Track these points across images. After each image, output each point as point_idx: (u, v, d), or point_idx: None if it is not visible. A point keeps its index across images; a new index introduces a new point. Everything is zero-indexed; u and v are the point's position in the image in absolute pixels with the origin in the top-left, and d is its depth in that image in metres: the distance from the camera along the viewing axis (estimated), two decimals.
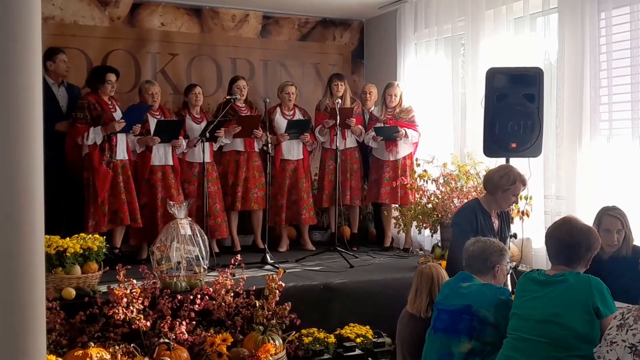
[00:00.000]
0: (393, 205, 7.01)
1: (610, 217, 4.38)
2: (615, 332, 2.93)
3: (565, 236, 3.45)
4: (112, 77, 6.17)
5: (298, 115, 7.18)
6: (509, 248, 4.83)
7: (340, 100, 6.80)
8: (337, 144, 6.65)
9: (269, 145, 6.44)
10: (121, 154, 6.15)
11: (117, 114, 6.16)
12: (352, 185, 7.24)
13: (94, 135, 5.97)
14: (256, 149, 6.94)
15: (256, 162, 6.95)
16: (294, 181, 7.10)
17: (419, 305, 4.23)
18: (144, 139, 6.31)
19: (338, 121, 6.57)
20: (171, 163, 6.49)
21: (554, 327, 3.24)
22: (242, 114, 6.87)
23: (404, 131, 6.88)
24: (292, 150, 7.08)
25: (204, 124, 6.63)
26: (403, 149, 7.00)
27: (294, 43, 8.21)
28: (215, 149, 6.85)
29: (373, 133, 6.99)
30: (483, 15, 6.33)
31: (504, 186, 4.55)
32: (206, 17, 7.73)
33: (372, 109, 7.33)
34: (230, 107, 6.74)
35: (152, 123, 6.36)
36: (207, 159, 6.54)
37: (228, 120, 6.64)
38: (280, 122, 7.04)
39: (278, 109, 7.15)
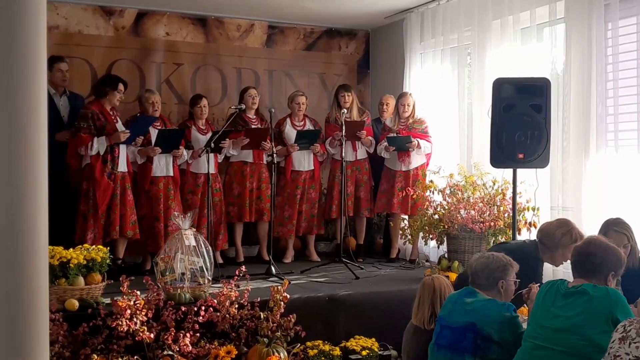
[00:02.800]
0: (403, 215, 6.95)
1: (616, 232, 4.36)
2: (617, 345, 2.90)
3: (581, 246, 3.54)
4: (122, 87, 6.17)
5: (308, 126, 7.15)
6: None
7: (345, 111, 6.77)
8: (343, 155, 6.61)
9: (274, 155, 6.40)
10: (122, 165, 6.12)
11: (119, 125, 6.14)
12: (360, 197, 7.20)
13: (98, 146, 5.93)
14: (264, 161, 6.90)
15: (264, 174, 6.91)
16: (304, 192, 7.08)
17: (422, 317, 4.21)
18: (145, 149, 6.28)
19: (344, 133, 6.55)
20: (172, 174, 6.45)
21: (573, 337, 3.24)
22: (252, 125, 6.84)
23: (416, 142, 6.85)
24: (303, 161, 7.06)
25: (209, 135, 6.59)
26: (415, 160, 6.97)
27: (299, 53, 8.19)
28: (220, 160, 6.82)
29: (386, 143, 6.95)
30: (490, 26, 6.31)
31: (566, 245, 4.33)
32: (211, 26, 7.72)
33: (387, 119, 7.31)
34: (240, 118, 6.73)
35: (153, 134, 6.33)
36: (212, 169, 6.52)
37: (235, 131, 6.61)
38: (290, 132, 7.02)
39: (288, 120, 7.12)
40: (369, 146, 7.20)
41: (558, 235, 4.37)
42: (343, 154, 6.61)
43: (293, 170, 7.04)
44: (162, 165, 6.39)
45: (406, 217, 6.89)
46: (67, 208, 6.05)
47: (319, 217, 7.24)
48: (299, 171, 7.07)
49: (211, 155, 6.37)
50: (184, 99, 7.47)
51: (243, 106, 6.69)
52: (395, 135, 6.97)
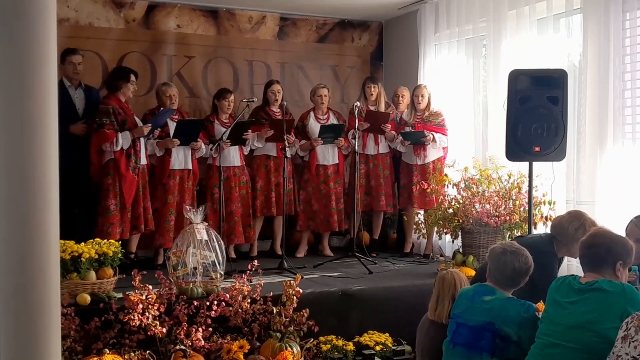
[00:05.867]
0: (418, 210, 6.89)
1: (634, 225, 4.25)
2: (620, 344, 2.87)
3: (586, 239, 3.48)
4: (134, 78, 6.14)
5: (332, 119, 7.11)
6: None
7: (358, 104, 6.68)
8: (356, 149, 6.55)
9: (287, 148, 6.36)
10: (143, 159, 6.12)
11: (136, 118, 6.12)
12: (382, 192, 7.13)
13: (123, 141, 5.90)
14: (288, 155, 6.83)
15: (288, 168, 6.85)
16: (330, 187, 7.02)
17: (441, 312, 4.14)
18: (164, 141, 6.25)
19: (357, 125, 6.48)
20: (190, 167, 6.42)
21: (587, 334, 3.19)
22: (275, 119, 6.80)
23: (431, 135, 6.79)
24: (327, 155, 7.01)
25: None
26: (431, 153, 6.90)
27: (311, 45, 8.13)
28: (245, 153, 6.79)
29: (401, 137, 6.90)
30: (505, 16, 6.24)
31: (581, 238, 4.17)
32: (222, 18, 7.67)
33: (403, 112, 7.25)
34: (264, 112, 6.74)
35: (172, 126, 6.31)
36: (238, 162, 6.50)
37: (256, 123, 6.58)
38: (314, 126, 6.97)
39: (312, 113, 7.08)
40: (391, 141, 7.11)
41: (571, 231, 4.29)
42: (357, 147, 6.56)
43: (318, 165, 6.99)
44: (181, 158, 6.36)
45: (420, 211, 6.84)
46: (89, 203, 6.04)
47: (345, 211, 7.17)
48: (324, 165, 7.02)
49: (233, 148, 6.39)
50: (195, 92, 7.43)
51: (255, 99, 6.66)
52: (410, 129, 6.91)
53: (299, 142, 6.92)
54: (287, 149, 6.37)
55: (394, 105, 7.34)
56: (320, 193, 7.01)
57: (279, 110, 6.90)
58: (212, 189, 6.58)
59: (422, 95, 6.92)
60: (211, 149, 6.47)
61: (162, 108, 6.39)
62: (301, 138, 6.96)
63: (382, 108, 7.10)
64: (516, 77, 5.26)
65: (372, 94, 7.06)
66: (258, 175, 6.85)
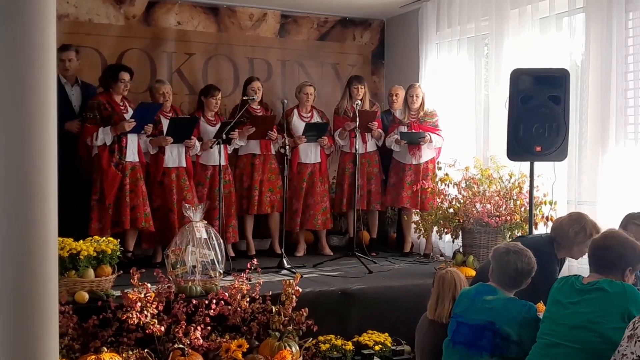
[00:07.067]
0: (413, 209, 6.88)
1: (636, 226, 4.24)
2: (626, 343, 2.87)
3: (598, 240, 3.44)
4: (125, 76, 6.08)
5: (316, 117, 7.06)
6: None
7: (359, 102, 6.68)
8: (357, 147, 6.52)
9: (287, 147, 6.33)
10: (131, 155, 6.05)
11: (129, 115, 6.06)
12: (371, 190, 7.12)
13: (103, 136, 5.90)
14: (272, 152, 6.82)
15: (272, 165, 6.84)
16: (311, 185, 6.98)
17: (441, 312, 4.13)
18: (157, 139, 6.22)
19: (358, 124, 6.46)
20: (184, 165, 6.38)
21: (588, 334, 3.19)
22: (257, 115, 6.77)
23: (429, 136, 6.79)
24: (310, 153, 6.97)
25: (218, 126, 6.50)
26: (426, 154, 6.91)
27: (312, 43, 8.11)
28: (229, 152, 6.75)
29: (396, 136, 6.87)
30: (508, 15, 6.21)
31: (581, 242, 4.25)
32: (223, 15, 7.64)
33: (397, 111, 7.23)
34: (244, 110, 6.67)
35: (165, 124, 6.28)
36: (222, 161, 6.45)
37: (243, 122, 6.55)
38: (298, 124, 6.93)
39: (295, 111, 7.04)
40: (378, 139, 7.11)
41: (572, 234, 4.28)
42: (357, 147, 6.52)
43: (299, 163, 6.96)
44: (174, 156, 6.32)
45: (418, 211, 6.81)
46: (81, 199, 6.01)
47: (330, 210, 7.14)
48: (306, 163, 6.98)
49: (221, 146, 6.31)
50: (196, 90, 7.39)
51: (255, 97, 6.63)
52: (406, 128, 6.90)
53: (282, 139, 6.88)
54: (286, 147, 6.33)
55: (389, 104, 7.33)
56: (302, 191, 6.96)
57: (259, 107, 6.88)
58: (196, 187, 6.55)
59: (416, 95, 6.90)
60: (211, 147, 6.43)
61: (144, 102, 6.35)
62: (284, 135, 6.92)
63: (367, 107, 7.08)
64: (518, 77, 5.23)
65: (359, 94, 7.02)
66: (245, 174, 6.81)
